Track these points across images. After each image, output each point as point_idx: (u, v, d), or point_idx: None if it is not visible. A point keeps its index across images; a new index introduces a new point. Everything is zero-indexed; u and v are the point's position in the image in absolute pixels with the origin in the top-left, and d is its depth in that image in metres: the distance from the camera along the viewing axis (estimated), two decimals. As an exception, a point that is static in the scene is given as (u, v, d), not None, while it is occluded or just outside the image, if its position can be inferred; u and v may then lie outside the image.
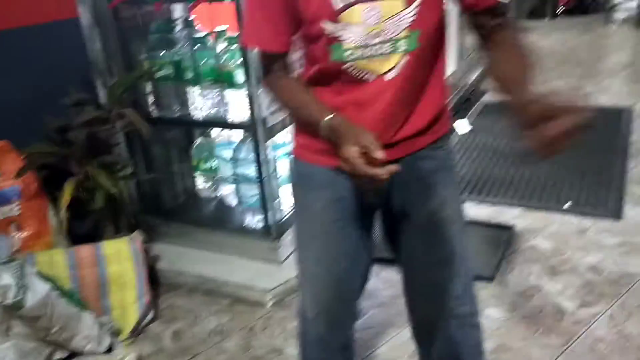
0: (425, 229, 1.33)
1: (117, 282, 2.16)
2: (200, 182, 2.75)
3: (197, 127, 2.67)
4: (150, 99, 2.50)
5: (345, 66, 1.18)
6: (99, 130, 2.23)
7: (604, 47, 6.25)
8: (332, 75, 1.21)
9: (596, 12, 6.60)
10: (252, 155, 2.34)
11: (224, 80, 2.28)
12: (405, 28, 1.15)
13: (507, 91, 1.08)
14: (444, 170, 1.35)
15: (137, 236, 2.26)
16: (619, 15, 7.13)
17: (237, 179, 2.49)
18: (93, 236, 2.27)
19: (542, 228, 2.70)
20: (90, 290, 2.11)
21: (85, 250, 2.13)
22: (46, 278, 1.93)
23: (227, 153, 2.51)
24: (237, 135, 2.49)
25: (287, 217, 2.56)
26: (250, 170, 2.40)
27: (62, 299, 1.92)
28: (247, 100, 2.20)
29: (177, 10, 2.46)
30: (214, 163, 2.62)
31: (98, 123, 2.22)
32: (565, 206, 2.86)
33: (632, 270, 2.36)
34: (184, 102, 2.42)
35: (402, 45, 1.16)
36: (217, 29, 2.29)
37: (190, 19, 2.38)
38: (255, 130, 2.25)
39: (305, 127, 1.29)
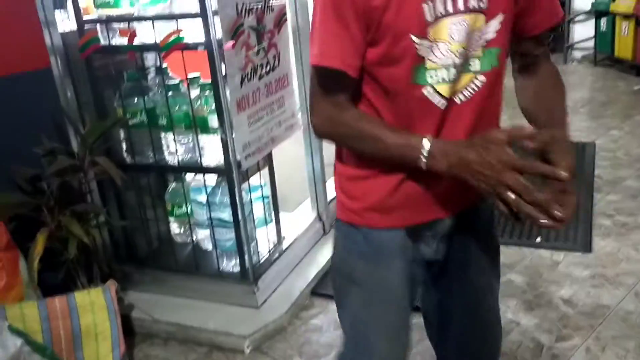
0: (475, 286, 1.29)
1: (91, 333, 2.10)
2: (175, 228, 2.73)
3: (171, 172, 2.67)
4: (124, 145, 2.49)
5: (423, 91, 1.06)
6: (72, 179, 2.21)
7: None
8: (402, 105, 1.08)
9: (554, 51, 6.87)
10: (227, 199, 2.34)
11: (197, 125, 2.29)
12: (482, 45, 1.06)
13: (542, 123, 1.10)
14: (492, 221, 1.31)
15: (111, 285, 2.21)
16: (577, 54, 7.43)
17: (213, 223, 2.48)
18: (65, 286, 2.22)
19: (516, 263, 2.74)
20: (64, 343, 2.05)
21: (57, 302, 2.07)
22: (17, 332, 1.87)
23: (202, 197, 2.50)
24: (212, 179, 2.50)
25: (263, 260, 2.55)
26: (226, 214, 2.39)
27: (35, 354, 1.86)
28: (221, 144, 2.22)
29: (150, 58, 2.48)
30: (188, 208, 2.61)
31: (70, 172, 2.20)
32: (537, 240, 2.91)
33: (605, 302, 2.40)
34: (157, 148, 2.42)
35: (476, 64, 1.07)
36: (190, 75, 2.32)
37: (164, 66, 2.40)
38: (230, 174, 2.26)
39: (389, 166, 1.11)
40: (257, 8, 2.30)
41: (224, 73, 2.14)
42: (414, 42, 1.02)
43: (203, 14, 2.07)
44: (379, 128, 1.07)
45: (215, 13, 2.07)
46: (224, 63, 2.12)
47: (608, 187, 3.51)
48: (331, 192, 2.97)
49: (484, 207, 1.26)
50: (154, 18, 2.22)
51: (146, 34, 2.27)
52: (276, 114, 2.53)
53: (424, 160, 1.01)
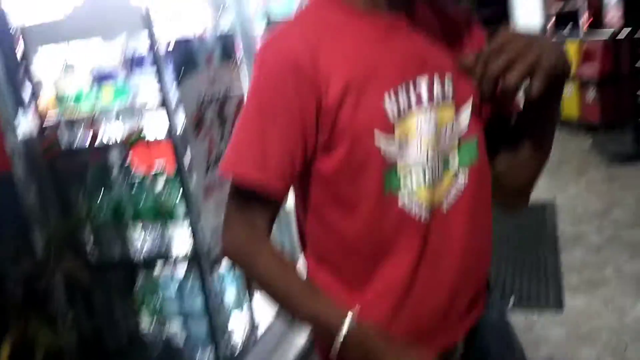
0: None
1: None
2: (145, 322, 2.66)
3: (139, 266, 2.63)
4: (90, 242, 2.46)
5: (399, 203, 0.89)
6: (37, 282, 2.16)
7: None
8: (371, 223, 0.90)
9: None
10: (198, 288, 2.31)
11: (164, 216, 2.29)
12: (457, 138, 0.94)
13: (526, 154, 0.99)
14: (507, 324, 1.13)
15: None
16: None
17: (184, 315, 2.43)
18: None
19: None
20: None
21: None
22: None
23: (172, 289, 2.46)
24: (181, 269, 2.47)
25: (239, 349, 2.49)
26: (197, 305, 2.35)
27: None
28: (190, 233, 2.22)
29: (114, 154, 2.50)
30: (158, 300, 2.55)
31: (35, 275, 2.15)
32: (510, 303, 2.94)
33: (584, 360, 2.41)
34: (124, 242, 2.40)
35: (454, 160, 0.93)
36: (155, 167, 2.34)
37: (128, 160, 2.42)
38: (200, 263, 2.24)
39: (310, 329, 0.95)
40: (218, 98, 2.37)
41: (188, 163, 2.17)
42: (379, 140, 0.87)
43: (166, 107, 2.12)
44: (294, 285, 0.91)
45: (177, 105, 2.13)
46: (189, 153, 2.16)
47: (572, 243, 3.59)
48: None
49: (492, 308, 1.08)
50: (116, 115, 2.26)
51: (110, 130, 2.30)
52: (242, 199, 2.55)
53: (340, 341, 0.85)
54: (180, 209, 2.25)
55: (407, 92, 0.90)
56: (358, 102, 0.87)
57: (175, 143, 2.14)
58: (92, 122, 2.39)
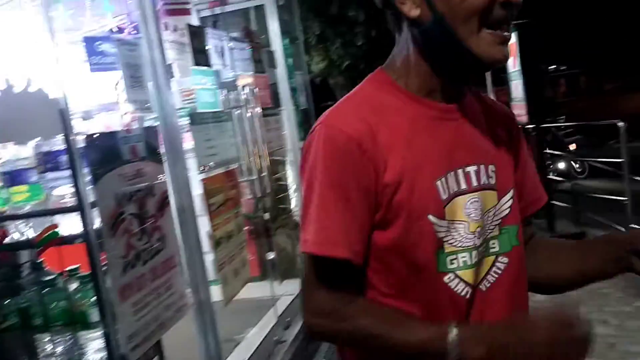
0: None
1: None
2: None
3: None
4: (-7, 352, 2.27)
5: (445, 279, 0.94)
6: None
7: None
8: (419, 297, 0.94)
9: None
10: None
11: (76, 321, 2.16)
12: (498, 224, 1.00)
13: (597, 265, 1.05)
14: None
15: None
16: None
17: None
18: None
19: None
20: None
21: None
22: None
23: (85, 401, 2.28)
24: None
25: None
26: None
27: None
28: (104, 339, 2.09)
29: (24, 255, 2.37)
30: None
31: None
32: None
33: None
34: (32, 352, 2.22)
35: (495, 245, 0.99)
36: (68, 268, 2.22)
37: (39, 261, 2.30)
38: (115, 371, 2.10)
39: None
40: (138, 194, 2.32)
41: (103, 263, 2.08)
42: (432, 223, 0.92)
43: (80, 207, 2.05)
44: (393, 321, 0.92)
45: (93, 205, 2.06)
46: (104, 253, 2.07)
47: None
48: (229, 371, 2.83)
49: None
50: (28, 215, 2.16)
51: (21, 230, 2.19)
52: (164, 298, 2.44)
53: (454, 350, 0.84)
54: (95, 313, 2.13)
55: (457, 179, 0.97)
56: (412, 185, 0.93)
57: (90, 242, 2.05)
58: (2, 222, 2.28)
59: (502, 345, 0.84)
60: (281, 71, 4.22)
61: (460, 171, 0.96)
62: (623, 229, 4.47)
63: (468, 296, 0.96)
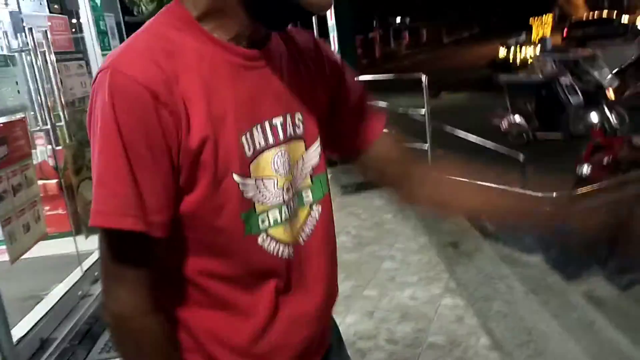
0: None
1: None
2: None
3: None
4: None
5: (259, 242, 0.88)
6: None
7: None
8: (237, 265, 0.87)
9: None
10: None
11: None
12: (309, 173, 0.95)
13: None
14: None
15: None
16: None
17: None
18: None
19: None
20: None
21: None
22: None
23: None
24: None
25: None
26: None
27: None
28: None
29: None
30: None
31: None
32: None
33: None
34: None
35: (309, 195, 0.95)
36: None
37: None
38: None
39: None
40: None
41: None
42: (237, 182, 0.83)
43: None
44: None
45: None
46: None
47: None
48: (18, 332, 2.71)
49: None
50: None
51: None
52: None
53: None
54: None
55: (264, 133, 0.87)
56: (217, 142, 0.81)
57: None
58: None
59: None
60: (85, 12, 3.93)
61: (267, 124, 0.87)
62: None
63: (286, 255, 0.91)
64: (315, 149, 0.97)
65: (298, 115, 0.93)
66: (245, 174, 0.84)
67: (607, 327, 3.36)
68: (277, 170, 0.89)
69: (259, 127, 0.87)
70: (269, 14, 0.85)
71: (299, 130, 0.93)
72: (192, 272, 0.87)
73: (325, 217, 0.98)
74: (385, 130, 1.06)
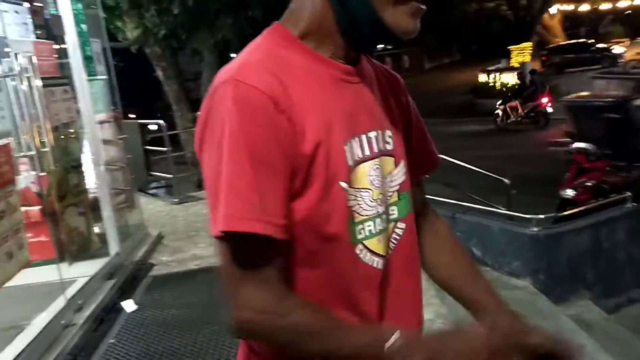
0: None
1: None
2: None
3: None
4: None
5: (357, 251, 0.89)
6: None
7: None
8: (335, 275, 0.88)
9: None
10: None
11: None
12: (397, 190, 0.98)
13: (470, 307, 1.03)
14: None
15: None
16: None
17: None
18: None
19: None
20: None
21: None
22: None
23: None
24: None
25: None
26: None
27: None
28: None
29: None
30: None
31: None
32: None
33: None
34: None
35: (394, 211, 0.97)
36: None
37: None
38: None
39: None
40: None
41: None
42: (343, 190, 0.86)
43: None
44: (331, 322, 0.84)
45: None
46: None
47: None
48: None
49: None
50: None
51: None
52: None
53: (392, 356, 0.79)
54: None
55: (361, 145, 0.91)
56: (327, 149, 0.85)
57: None
58: None
59: (441, 353, 0.79)
60: (71, 38, 3.92)
61: (364, 137, 0.92)
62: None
63: (380, 267, 0.93)
64: (403, 166, 1.01)
65: (388, 133, 0.98)
66: (349, 182, 0.88)
67: (597, 351, 3.35)
68: (372, 182, 0.92)
69: (357, 138, 0.91)
70: (360, 35, 0.91)
71: (389, 147, 0.98)
72: (294, 281, 0.88)
73: (409, 236, 1.00)
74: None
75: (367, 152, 0.93)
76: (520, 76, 16.21)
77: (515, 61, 22.75)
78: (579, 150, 6.30)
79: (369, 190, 0.91)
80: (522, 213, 4.83)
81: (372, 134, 0.94)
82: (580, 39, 27.97)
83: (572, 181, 6.15)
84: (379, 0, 0.87)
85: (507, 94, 15.88)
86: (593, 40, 26.76)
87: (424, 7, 0.90)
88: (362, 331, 0.86)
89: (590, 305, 4.59)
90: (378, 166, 0.94)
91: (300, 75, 0.87)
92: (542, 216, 4.66)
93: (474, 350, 0.77)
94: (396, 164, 0.99)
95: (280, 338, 0.84)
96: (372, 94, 0.97)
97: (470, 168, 5.98)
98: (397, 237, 0.98)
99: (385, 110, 0.99)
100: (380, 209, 0.93)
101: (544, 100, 14.12)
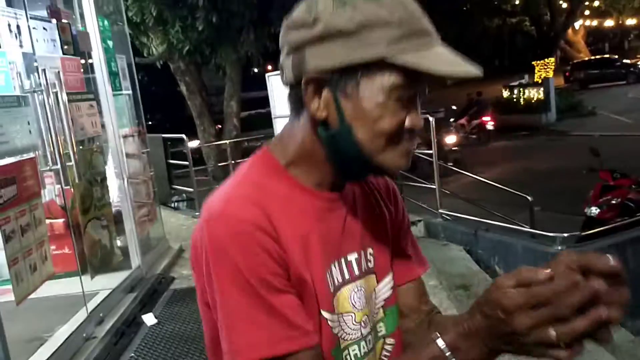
0: None
1: None
2: None
3: None
4: None
5: None
6: None
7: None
8: None
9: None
10: None
11: None
12: (381, 306, 0.99)
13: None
14: None
15: None
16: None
17: None
18: None
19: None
20: None
21: None
22: None
23: None
24: None
25: None
26: None
27: None
28: None
29: None
30: None
31: None
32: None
33: None
34: None
35: (382, 328, 0.99)
36: None
37: None
38: None
39: None
40: None
41: None
42: (326, 319, 0.88)
43: None
44: None
45: None
46: None
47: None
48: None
49: None
50: None
51: None
52: None
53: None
54: None
55: (341, 269, 0.92)
56: (312, 281, 0.86)
57: None
58: None
59: (486, 331, 0.76)
60: (97, 54, 4.00)
61: (342, 260, 0.94)
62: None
63: None
64: (388, 282, 1.01)
65: (370, 250, 0.99)
66: (331, 310, 0.89)
67: (624, 374, 3.26)
68: (354, 305, 0.93)
69: (336, 264, 0.93)
70: (351, 170, 0.94)
71: (370, 264, 0.98)
72: None
73: (398, 351, 1.01)
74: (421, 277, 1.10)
75: (347, 276, 0.94)
76: (544, 93, 16.38)
77: (538, 77, 22.58)
78: (605, 168, 6.21)
79: (351, 314, 0.92)
80: (545, 231, 4.76)
81: (353, 257, 0.95)
82: (605, 54, 27.69)
83: (597, 199, 6.04)
84: (370, 146, 0.87)
85: (456, 112, 16.95)
86: (617, 56, 26.47)
87: (414, 147, 0.92)
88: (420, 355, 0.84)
89: (615, 327, 4.48)
90: (360, 287, 0.95)
91: (283, 206, 0.89)
92: (565, 235, 4.59)
93: (507, 310, 0.71)
94: (378, 280, 0.99)
95: None
96: (354, 215, 0.98)
97: (494, 185, 5.92)
98: (388, 354, 0.99)
99: (369, 227, 1.00)
100: (365, 331, 0.94)
101: (486, 118, 15.61)
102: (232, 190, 0.90)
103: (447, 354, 0.79)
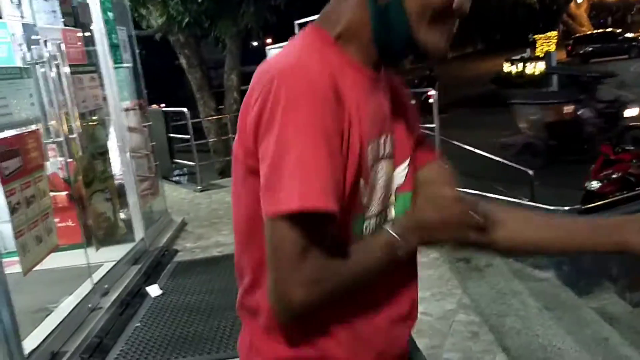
0: None
1: None
2: None
3: None
4: None
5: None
6: None
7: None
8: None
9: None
10: None
11: None
12: (393, 191, 1.03)
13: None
14: None
15: None
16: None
17: None
18: None
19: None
20: None
21: None
22: None
23: None
24: None
25: None
26: None
27: None
28: None
29: None
30: None
31: None
32: None
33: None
34: None
35: (391, 211, 1.03)
36: None
37: None
38: None
39: (374, 277, 0.96)
40: None
41: None
42: (360, 186, 0.93)
43: None
44: (358, 256, 0.93)
45: None
46: None
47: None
48: (29, 345, 2.69)
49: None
50: None
51: None
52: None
53: (402, 249, 0.93)
54: None
55: (378, 146, 0.97)
56: (362, 145, 0.91)
57: None
58: None
59: (428, 223, 0.95)
60: (98, 26, 3.96)
61: (381, 139, 0.98)
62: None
63: None
64: (403, 169, 1.05)
65: (392, 137, 1.03)
66: (366, 180, 0.94)
67: (622, 344, 3.32)
68: (380, 182, 0.98)
69: (376, 140, 0.97)
70: (392, 49, 0.97)
71: (390, 149, 1.02)
72: None
73: None
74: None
75: (381, 154, 0.98)
76: (548, 65, 16.14)
77: (540, 50, 22.40)
78: (606, 142, 6.21)
79: (377, 189, 0.97)
80: (547, 203, 4.78)
81: (383, 137, 0.99)
82: (607, 28, 27.41)
83: (598, 173, 6.06)
84: (416, 16, 0.91)
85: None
86: (621, 30, 26.23)
87: (454, 30, 0.95)
88: (377, 247, 0.94)
89: (614, 298, 4.54)
90: (383, 167, 0.99)
91: (340, 73, 0.91)
92: (566, 208, 4.62)
93: (446, 207, 0.96)
94: (395, 166, 1.03)
95: (333, 294, 0.90)
96: (386, 100, 1.03)
97: (493, 158, 5.92)
98: None
99: (396, 113, 1.05)
100: (380, 208, 0.99)
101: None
102: (298, 52, 0.91)
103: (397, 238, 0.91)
